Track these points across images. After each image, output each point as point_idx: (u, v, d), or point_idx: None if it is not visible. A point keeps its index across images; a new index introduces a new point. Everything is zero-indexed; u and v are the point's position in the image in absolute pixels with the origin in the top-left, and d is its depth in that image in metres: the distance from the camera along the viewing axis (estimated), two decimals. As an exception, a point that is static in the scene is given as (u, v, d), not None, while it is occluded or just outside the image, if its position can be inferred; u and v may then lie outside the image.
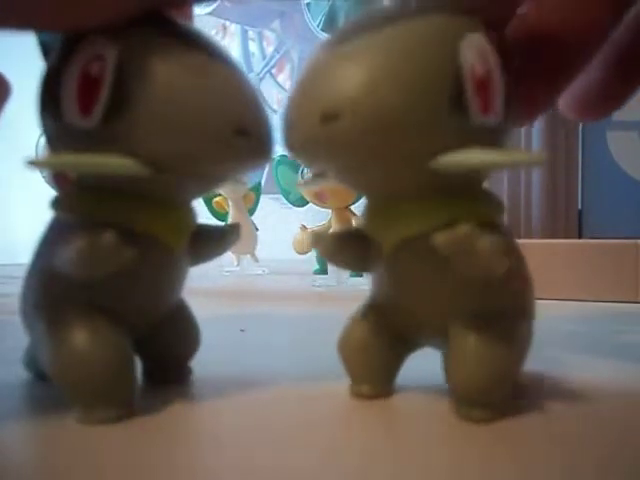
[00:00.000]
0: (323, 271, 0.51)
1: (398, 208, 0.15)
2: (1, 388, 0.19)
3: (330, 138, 0.14)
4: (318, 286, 0.49)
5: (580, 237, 0.41)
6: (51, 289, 0.16)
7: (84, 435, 0.14)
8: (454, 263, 0.14)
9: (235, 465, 0.12)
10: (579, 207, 0.42)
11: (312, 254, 0.52)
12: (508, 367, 0.15)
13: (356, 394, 0.17)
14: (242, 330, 0.29)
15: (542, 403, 0.16)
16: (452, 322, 0.16)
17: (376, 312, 0.17)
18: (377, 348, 0.17)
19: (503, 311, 0.16)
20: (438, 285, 0.15)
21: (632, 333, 0.29)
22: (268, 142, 0.16)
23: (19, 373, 0.20)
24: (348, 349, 0.17)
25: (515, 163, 0.15)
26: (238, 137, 0.15)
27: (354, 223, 0.48)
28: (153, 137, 0.14)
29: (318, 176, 0.18)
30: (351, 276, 0.48)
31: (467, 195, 0.15)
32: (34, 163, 0.14)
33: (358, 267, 0.18)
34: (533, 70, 0.16)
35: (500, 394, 0.15)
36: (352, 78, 0.14)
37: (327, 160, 0.15)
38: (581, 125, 0.41)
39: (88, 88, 0.14)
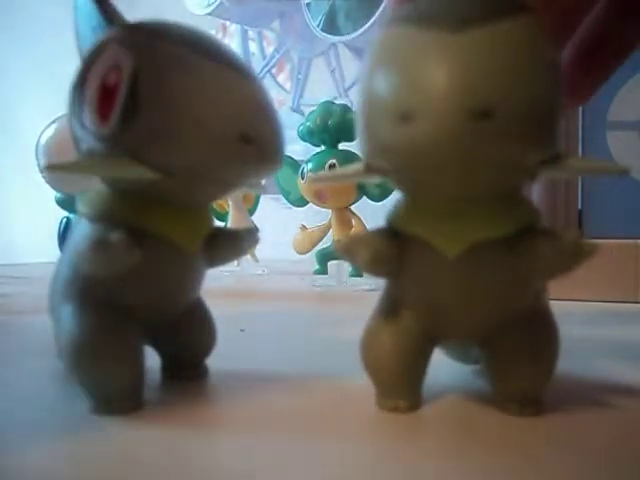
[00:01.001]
0: (323, 271, 0.51)
1: (466, 213, 0.14)
2: (4, 386, 0.19)
3: (478, 138, 0.12)
4: (318, 286, 0.49)
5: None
6: (75, 283, 0.17)
7: (96, 427, 0.14)
8: (545, 266, 0.14)
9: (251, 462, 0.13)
10: (579, 207, 0.42)
11: (312, 254, 0.52)
12: (555, 363, 0.16)
13: (391, 410, 0.16)
14: (242, 330, 0.29)
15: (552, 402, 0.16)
16: (505, 322, 0.15)
17: (404, 313, 0.16)
18: (410, 354, 0.16)
19: (546, 309, 0.16)
20: (501, 286, 0.15)
21: (632, 333, 0.29)
22: (275, 149, 0.16)
23: (21, 372, 0.20)
24: (378, 356, 0.16)
25: (607, 170, 0.15)
26: (243, 144, 0.15)
27: (354, 223, 0.48)
28: (161, 144, 0.15)
29: (373, 171, 0.15)
30: (351, 276, 0.48)
31: (517, 200, 0.15)
32: (51, 168, 0.15)
33: (394, 271, 0.16)
34: None
35: (546, 389, 0.16)
36: (503, 72, 0.12)
37: (455, 163, 0.13)
38: (581, 125, 0.41)
39: (105, 97, 0.15)
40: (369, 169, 0.15)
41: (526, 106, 0.12)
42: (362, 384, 0.17)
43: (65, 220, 0.49)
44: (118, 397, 0.16)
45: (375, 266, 0.16)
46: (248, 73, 0.16)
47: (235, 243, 0.19)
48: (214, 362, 0.19)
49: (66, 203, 0.46)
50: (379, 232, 0.16)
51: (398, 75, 0.13)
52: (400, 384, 0.16)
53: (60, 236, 0.48)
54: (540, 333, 0.16)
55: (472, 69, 0.12)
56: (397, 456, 0.13)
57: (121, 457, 0.13)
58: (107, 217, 0.16)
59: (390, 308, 0.16)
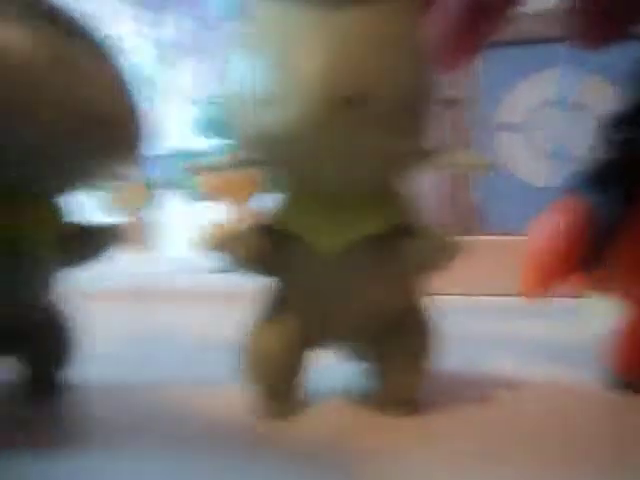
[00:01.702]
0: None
1: (342, 210, 0.14)
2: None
3: (353, 123, 0.12)
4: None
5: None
6: None
7: None
8: (416, 263, 0.15)
9: None
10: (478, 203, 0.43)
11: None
12: (427, 362, 0.16)
13: (272, 412, 0.16)
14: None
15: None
16: (383, 322, 0.16)
17: (288, 313, 0.16)
18: (295, 355, 0.16)
19: (419, 307, 0.16)
20: (378, 283, 0.15)
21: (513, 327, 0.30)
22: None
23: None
24: (261, 358, 0.16)
25: (473, 166, 0.15)
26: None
27: (250, 220, 0.47)
28: None
29: (248, 162, 0.15)
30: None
31: (393, 198, 0.15)
32: None
33: (271, 269, 0.16)
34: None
35: (420, 389, 0.16)
36: (373, 59, 0.12)
37: (323, 151, 0.13)
38: (470, 126, 0.43)
39: None
40: (243, 160, 0.14)
41: (398, 94, 0.12)
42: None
43: None
44: None
45: (251, 263, 0.15)
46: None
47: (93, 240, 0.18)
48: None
49: None
50: (256, 228, 0.15)
51: (269, 56, 0.12)
52: (283, 386, 0.16)
53: None
54: (412, 333, 0.16)
55: (345, 52, 0.12)
56: (268, 461, 0.13)
57: None
58: None
59: (274, 308, 0.16)
